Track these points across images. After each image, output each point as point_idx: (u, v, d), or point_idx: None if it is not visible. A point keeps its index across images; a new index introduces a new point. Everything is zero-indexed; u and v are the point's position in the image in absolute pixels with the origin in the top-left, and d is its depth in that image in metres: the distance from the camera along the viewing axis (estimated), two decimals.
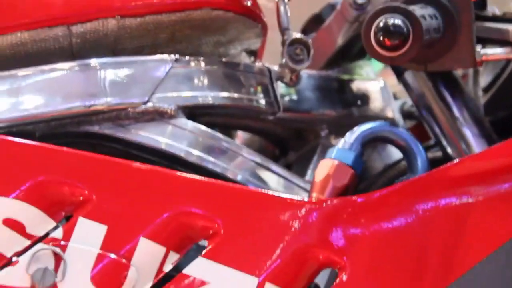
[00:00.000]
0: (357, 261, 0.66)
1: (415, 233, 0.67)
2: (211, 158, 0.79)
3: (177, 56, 0.80)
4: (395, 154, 0.87)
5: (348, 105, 0.96)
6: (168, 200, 0.67)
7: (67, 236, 0.64)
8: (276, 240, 0.66)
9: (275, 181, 0.81)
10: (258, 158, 0.83)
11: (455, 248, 0.67)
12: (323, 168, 0.71)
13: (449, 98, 0.84)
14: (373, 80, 1.02)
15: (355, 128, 0.73)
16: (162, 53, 0.82)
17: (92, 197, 0.65)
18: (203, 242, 0.67)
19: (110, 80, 0.78)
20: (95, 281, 0.63)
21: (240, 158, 0.82)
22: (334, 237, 0.66)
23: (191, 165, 0.78)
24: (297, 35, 0.85)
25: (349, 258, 0.65)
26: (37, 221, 0.65)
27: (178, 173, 0.71)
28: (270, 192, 0.73)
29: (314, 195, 0.70)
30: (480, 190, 0.67)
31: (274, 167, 0.83)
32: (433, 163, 0.74)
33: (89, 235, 0.65)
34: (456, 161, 0.74)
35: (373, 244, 0.68)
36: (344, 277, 0.64)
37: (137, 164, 0.69)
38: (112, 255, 0.63)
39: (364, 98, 0.97)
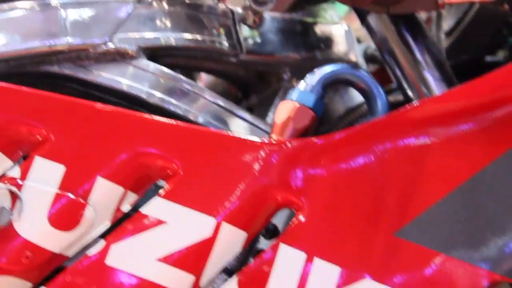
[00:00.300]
0: (315, 201, 0.66)
1: (374, 174, 0.68)
2: (172, 100, 0.79)
3: None
4: (357, 97, 0.88)
5: (312, 49, 0.96)
6: (126, 140, 0.67)
7: (24, 175, 0.64)
8: (235, 181, 0.66)
9: (236, 124, 0.82)
10: (220, 101, 0.82)
11: (413, 189, 0.68)
12: (283, 110, 0.70)
13: (411, 42, 0.85)
14: (337, 24, 1.02)
15: (316, 70, 0.73)
16: None
17: (50, 137, 0.65)
18: (162, 183, 0.67)
19: (71, 20, 0.77)
20: (52, 220, 0.62)
21: (202, 101, 0.82)
22: (292, 178, 0.66)
23: (152, 107, 0.78)
24: None
25: (307, 199, 0.65)
26: None
27: (138, 113, 0.70)
28: (230, 133, 0.73)
29: (274, 136, 0.70)
30: (438, 132, 0.67)
31: (236, 109, 0.83)
32: (394, 107, 0.74)
33: (46, 174, 0.64)
34: (415, 103, 0.74)
35: (331, 185, 0.68)
36: (301, 218, 0.64)
37: (96, 104, 0.69)
38: (70, 195, 0.63)
39: (327, 41, 0.98)
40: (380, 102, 0.74)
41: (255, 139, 0.70)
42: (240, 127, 0.82)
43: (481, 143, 0.69)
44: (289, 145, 0.68)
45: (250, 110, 0.92)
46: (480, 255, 0.68)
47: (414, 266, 0.67)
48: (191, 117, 0.78)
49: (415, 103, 0.75)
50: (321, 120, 0.75)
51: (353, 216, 0.68)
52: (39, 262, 0.64)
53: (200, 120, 0.79)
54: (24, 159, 0.66)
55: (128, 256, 0.65)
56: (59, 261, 0.65)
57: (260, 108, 0.92)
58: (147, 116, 0.70)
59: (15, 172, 0.64)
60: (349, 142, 0.69)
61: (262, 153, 0.67)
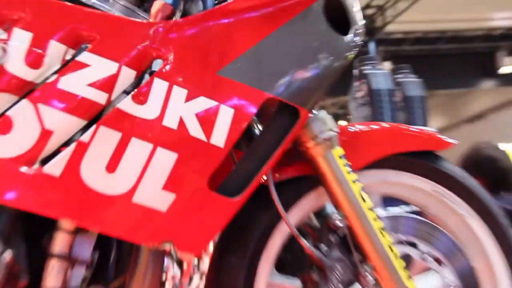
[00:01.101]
0: (175, 53, 0.93)
1: (206, 36, 0.96)
2: (101, 4, 0.98)
3: None
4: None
5: None
6: (67, 21, 0.90)
7: (8, 38, 0.87)
8: (132, 41, 0.92)
9: (134, 16, 1.02)
10: (127, 4, 1.02)
11: (228, 45, 0.97)
12: (156, 5, 0.98)
13: None
14: None
15: None
16: None
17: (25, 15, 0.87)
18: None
19: None
20: (26, 62, 0.87)
21: (117, 5, 1.01)
22: (162, 42, 0.93)
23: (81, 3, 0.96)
24: None
25: (170, 51, 0.93)
26: None
27: (77, 6, 0.92)
28: (132, 19, 0.98)
29: (151, 20, 0.97)
30: (244, 14, 0.98)
31: (137, 10, 1.04)
32: None
33: (21, 37, 0.88)
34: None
35: (183, 43, 0.95)
36: (167, 64, 0.92)
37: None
38: (36, 50, 0.87)
39: None
40: (210, 2, 1.02)
41: (145, 21, 0.96)
42: (127, 13, 1.02)
43: (268, 19, 1.00)
44: (160, 23, 0.94)
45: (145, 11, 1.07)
46: (263, 83, 0.98)
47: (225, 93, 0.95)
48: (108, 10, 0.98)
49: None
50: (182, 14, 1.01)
51: (195, 59, 0.94)
52: (21, 85, 0.88)
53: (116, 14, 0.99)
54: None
55: (69, 83, 0.88)
56: (32, 85, 0.88)
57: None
58: (84, 8, 0.92)
59: (3, 36, 0.87)
60: (197, 19, 0.97)
61: (146, 28, 0.93)
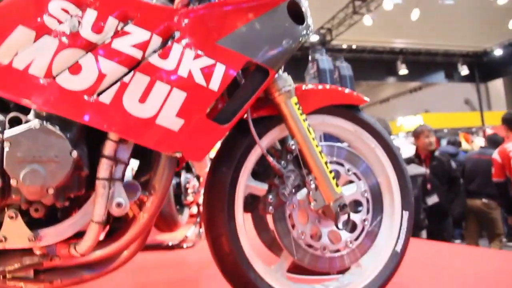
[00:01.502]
0: (188, 24, 0.86)
1: (213, 17, 0.88)
2: None
3: None
4: None
5: None
6: (126, 8, 0.82)
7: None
8: (161, 19, 0.84)
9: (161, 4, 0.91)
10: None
11: (222, 24, 0.87)
12: None
13: None
14: None
15: None
16: None
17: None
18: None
19: None
20: (92, 30, 0.80)
21: None
22: (181, 19, 0.86)
23: None
24: None
25: (187, 25, 0.85)
26: None
27: None
28: (165, 5, 0.89)
29: (174, 6, 0.87)
30: (237, 4, 0.89)
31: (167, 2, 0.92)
32: None
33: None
34: None
35: (196, 20, 0.87)
36: (183, 35, 0.85)
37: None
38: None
39: None
40: None
41: (172, 7, 0.87)
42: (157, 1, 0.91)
43: (251, 10, 0.91)
44: (180, 9, 0.86)
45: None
46: (246, 50, 0.89)
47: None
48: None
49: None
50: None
51: (201, 32, 0.86)
52: (88, 44, 0.81)
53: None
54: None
55: (118, 44, 0.82)
56: (95, 45, 0.81)
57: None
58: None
59: (79, 13, 0.80)
60: (202, 8, 0.88)
61: (171, 11, 0.86)
